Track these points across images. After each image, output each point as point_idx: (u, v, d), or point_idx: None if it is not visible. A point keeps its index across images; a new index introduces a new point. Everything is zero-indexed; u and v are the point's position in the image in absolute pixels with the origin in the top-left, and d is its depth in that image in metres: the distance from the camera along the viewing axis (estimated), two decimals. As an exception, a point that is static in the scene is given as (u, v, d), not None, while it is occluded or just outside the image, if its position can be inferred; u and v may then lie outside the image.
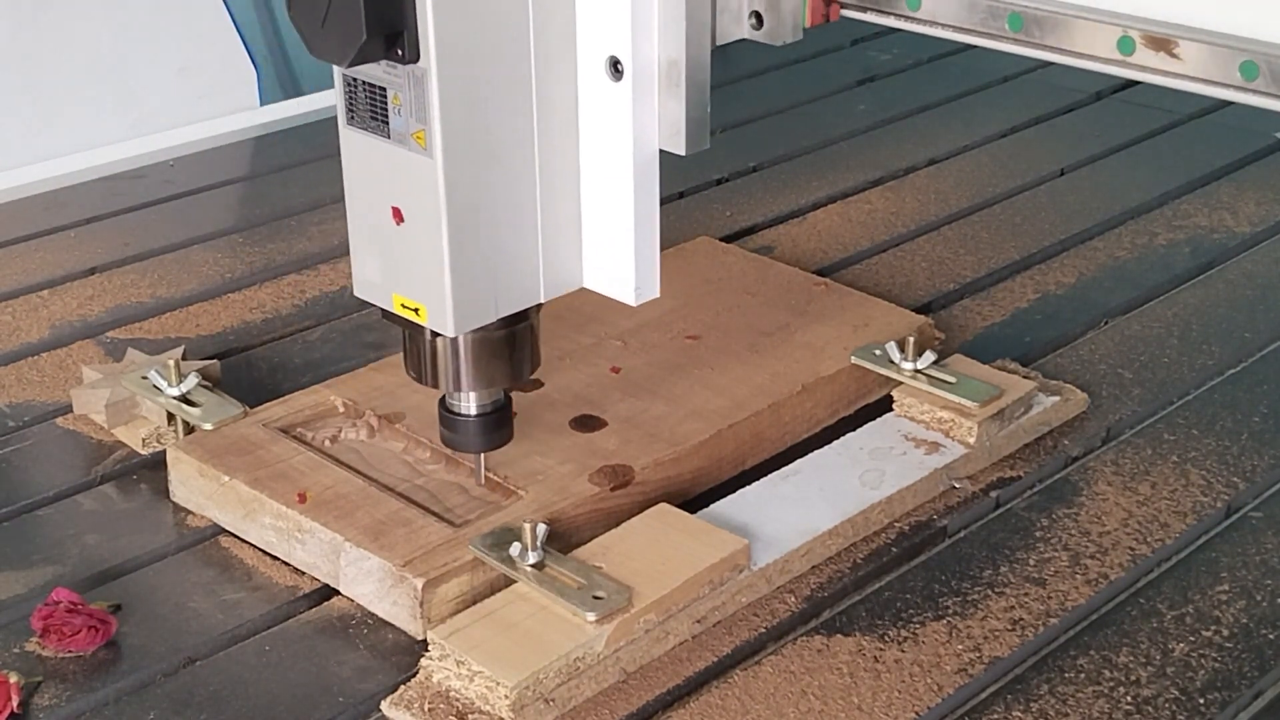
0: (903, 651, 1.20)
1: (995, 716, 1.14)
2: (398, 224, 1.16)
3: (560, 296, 1.62)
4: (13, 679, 1.15)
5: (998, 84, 2.36)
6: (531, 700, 1.12)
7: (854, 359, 1.49)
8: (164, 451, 1.39)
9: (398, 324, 1.22)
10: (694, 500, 1.36)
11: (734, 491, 1.35)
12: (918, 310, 1.64)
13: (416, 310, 1.18)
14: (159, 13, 2.23)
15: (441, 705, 1.13)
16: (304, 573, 1.28)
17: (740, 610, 1.25)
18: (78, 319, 1.69)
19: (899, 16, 1.14)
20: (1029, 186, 2.01)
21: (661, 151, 1.18)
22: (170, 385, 1.43)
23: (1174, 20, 1.01)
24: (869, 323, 1.56)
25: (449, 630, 1.15)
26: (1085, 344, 1.63)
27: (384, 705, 1.14)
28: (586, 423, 1.40)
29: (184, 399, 1.43)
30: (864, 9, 1.16)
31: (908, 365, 1.46)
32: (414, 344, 1.24)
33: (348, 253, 1.24)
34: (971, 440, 1.40)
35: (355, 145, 1.17)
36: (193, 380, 1.43)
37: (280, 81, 2.61)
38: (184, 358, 1.50)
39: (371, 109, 1.14)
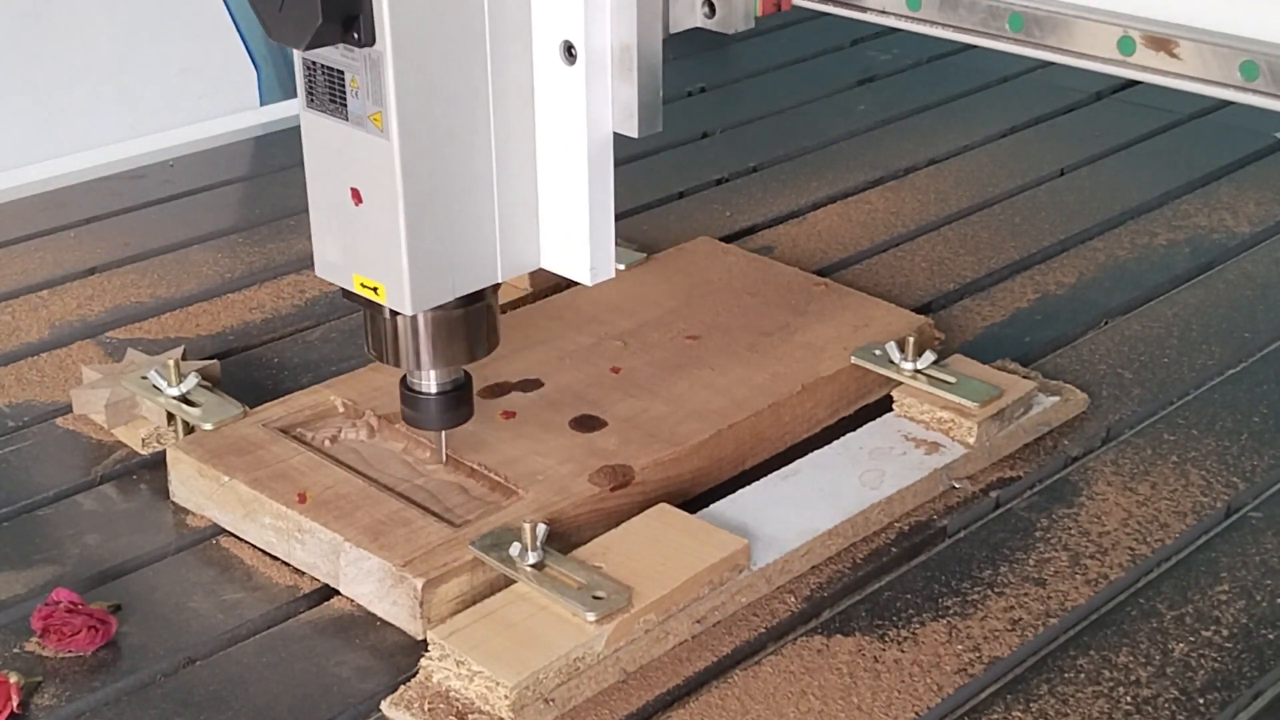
0: (903, 651, 1.20)
1: (995, 716, 1.14)
2: (356, 205, 1.18)
3: (560, 296, 1.64)
4: (13, 679, 1.15)
5: (998, 84, 2.36)
6: (531, 700, 1.12)
7: (854, 359, 1.49)
8: (164, 451, 1.39)
9: (358, 303, 1.24)
10: (694, 500, 1.36)
11: (734, 491, 1.35)
12: (918, 310, 1.64)
13: (375, 289, 1.20)
14: (159, 13, 2.23)
15: (441, 705, 1.13)
16: (304, 573, 1.28)
17: (740, 610, 1.25)
18: (78, 319, 1.69)
19: (899, 16, 1.14)
20: (1029, 186, 2.01)
21: (621, 137, 1.20)
22: (170, 385, 1.43)
23: (1174, 20, 1.01)
24: (869, 323, 1.56)
25: (449, 630, 1.15)
26: (1085, 344, 1.63)
27: (384, 705, 1.14)
28: (586, 423, 1.40)
29: (184, 399, 1.43)
30: (864, 9, 1.16)
31: (908, 365, 1.46)
32: (374, 323, 1.27)
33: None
34: (971, 440, 1.40)
35: (315, 127, 1.19)
36: (193, 380, 1.43)
37: (280, 81, 2.61)
38: (184, 358, 1.50)
39: (330, 92, 1.16)
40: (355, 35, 1.11)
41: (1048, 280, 1.77)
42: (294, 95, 2.41)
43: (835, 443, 1.42)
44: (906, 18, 1.13)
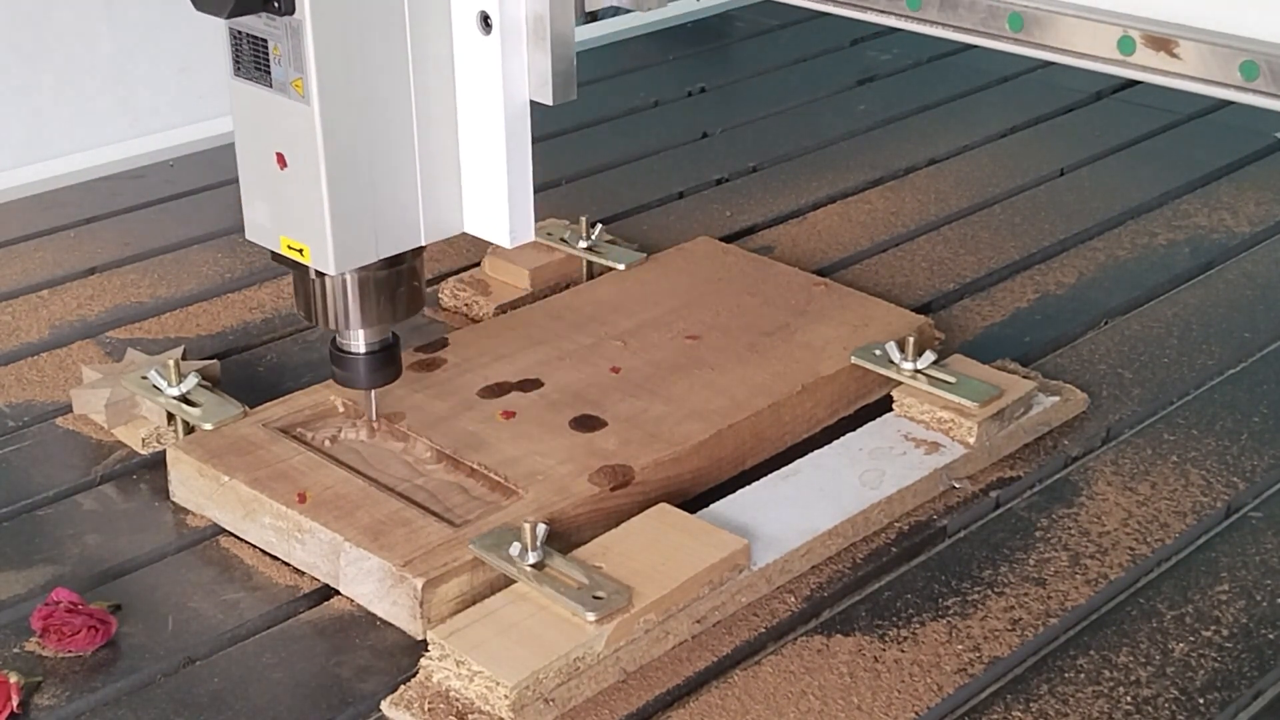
0: (903, 651, 1.20)
1: (995, 716, 1.14)
2: (282, 169, 1.22)
3: (560, 296, 1.64)
4: (13, 679, 1.15)
5: (998, 84, 2.36)
6: (531, 700, 1.12)
7: (854, 359, 1.49)
8: (164, 451, 1.39)
9: (285, 265, 1.29)
10: (694, 500, 1.36)
11: (734, 491, 1.35)
12: (918, 310, 1.64)
13: (301, 251, 1.24)
14: (159, 13, 2.23)
15: (441, 705, 1.13)
16: (304, 573, 1.28)
17: (740, 610, 1.25)
18: (77, 319, 1.69)
19: (899, 16, 1.14)
20: (1029, 186, 2.02)
21: (536, 104, 1.23)
22: (170, 385, 1.43)
23: (1174, 20, 1.01)
24: (869, 323, 1.56)
25: (449, 630, 1.15)
26: (1085, 344, 1.63)
27: (384, 705, 1.14)
28: (586, 423, 1.40)
29: (184, 399, 1.43)
30: (864, 9, 1.16)
31: (908, 365, 1.46)
32: (302, 284, 1.31)
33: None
34: (971, 440, 1.40)
35: (242, 95, 1.24)
36: (193, 380, 1.43)
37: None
38: (184, 358, 1.50)
39: (255, 60, 1.20)
40: (276, 4, 1.15)
41: (1048, 280, 1.77)
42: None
43: (835, 443, 1.42)
44: (906, 18, 1.13)
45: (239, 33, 1.21)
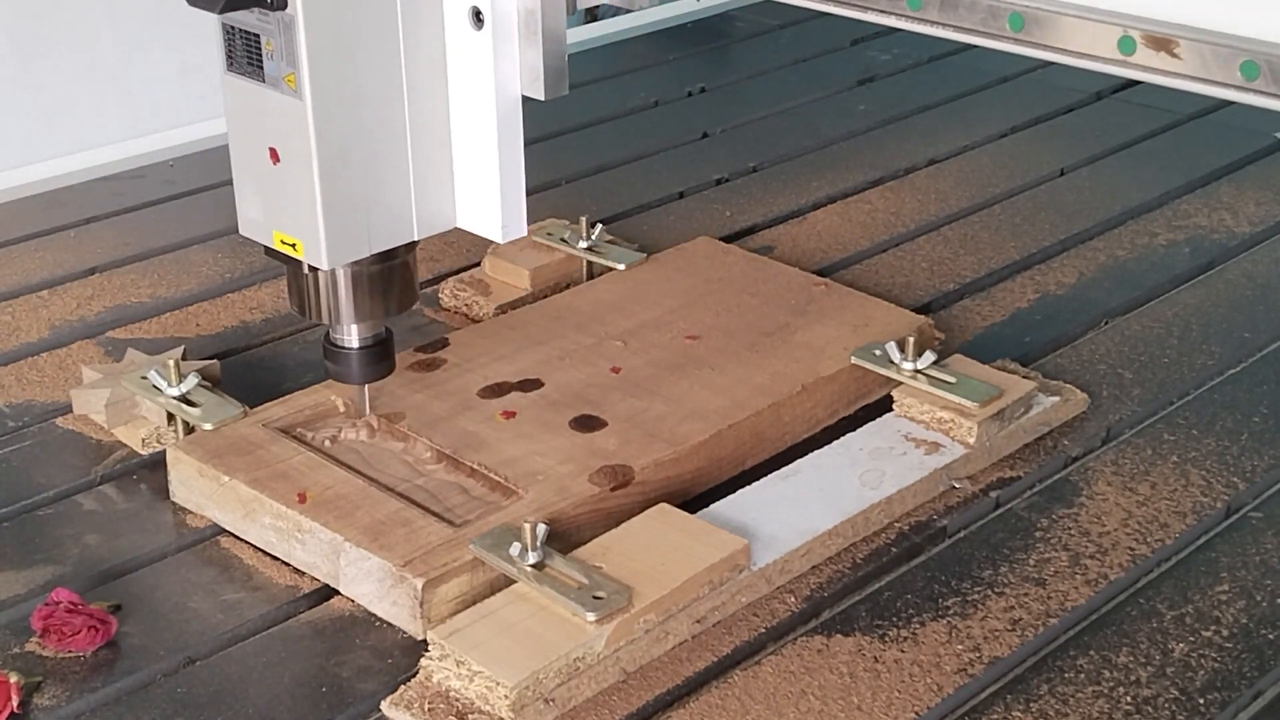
0: (903, 651, 1.20)
1: (995, 716, 1.14)
2: (274, 164, 1.23)
3: (560, 296, 1.64)
4: (13, 679, 1.15)
5: (998, 84, 2.36)
6: (531, 700, 1.12)
7: (854, 359, 1.49)
8: (164, 451, 1.39)
9: (279, 260, 1.28)
10: (694, 500, 1.36)
11: (734, 491, 1.35)
12: (918, 310, 1.64)
13: (294, 245, 1.25)
14: (159, 13, 2.23)
15: (441, 705, 1.13)
16: (304, 573, 1.28)
17: (740, 610, 1.25)
18: (77, 319, 1.69)
19: (899, 16, 1.14)
20: (1029, 186, 2.01)
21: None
22: (170, 385, 1.43)
23: (1174, 20, 1.01)
24: (869, 323, 1.56)
25: (449, 630, 1.15)
26: (1085, 344, 1.63)
27: (384, 705, 1.14)
28: (586, 423, 1.40)
29: (184, 399, 1.43)
30: (864, 8, 1.16)
31: (908, 365, 1.46)
32: (296, 279, 1.32)
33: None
34: (971, 440, 1.40)
35: (235, 90, 1.24)
36: (193, 380, 1.43)
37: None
38: (184, 358, 1.50)
39: (248, 55, 1.21)
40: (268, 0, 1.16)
41: (1048, 280, 1.77)
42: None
43: (835, 443, 1.42)
44: (906, 18, 1.13)
45: (232, 28, 1.21)
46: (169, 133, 2.18)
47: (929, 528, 1.34)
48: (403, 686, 1.15)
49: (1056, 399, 1.48)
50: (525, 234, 1.30)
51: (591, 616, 1.15)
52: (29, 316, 1.69)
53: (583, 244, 1.70)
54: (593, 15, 2.75)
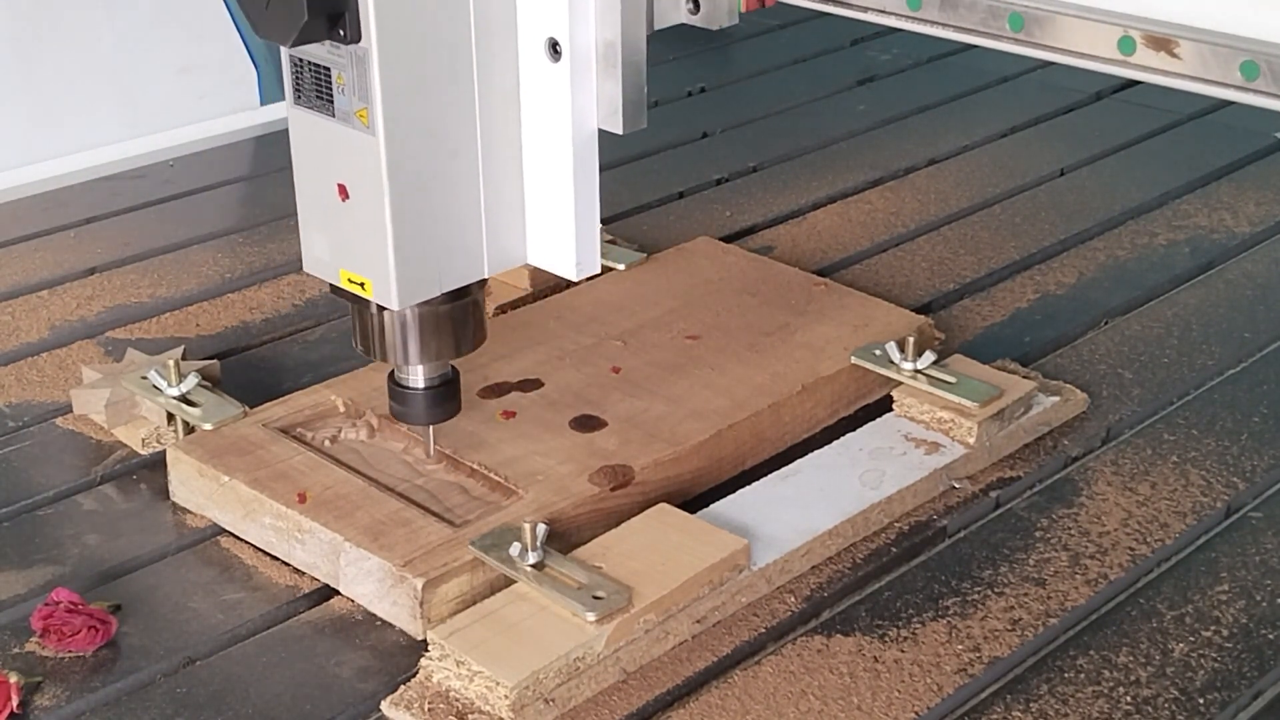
0: (903, 651, 1.20)
1: (995, 716, 1.14)
2: (343, 200, 1.19)
3: (560, 296, 1.64)
4: (13, 679, 1.15)
5: (998, 84, 2.36)
6: (531, 700, 1.12)
7: (854, 359, 1.49)
8: (164, 451, 1.39)
9: (345, 299, 1.25)
10: (694, 500, 1.36)
11: (734, 491, 1.35)
12: (918, 310, 1.64)
13: (363, 285, 1.21)
14: (159, 13, 2.23)
15: (441, 705, 1.13)
16: (304, 573, 1.28)
17: (740, 610, 1.25)
18: (77, 319, 1.69)
19: (899, 16, 1.14)
20: (1029, 186, 2.01)
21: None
22: (170, 385, 1.43)
23: (1174, 20, 1.01)
24: (869, 323, 1.56)
25: (449, 630, 1.15)
26: (1085, 344, 1.63)
27: (384, 705, 1.14)
28: (586, 423, 1.40)
29: (184, 399, 1.43)
30: (864, 9, 1.16)
31: (908, 365, 1.46)
32: (361, 319, 1.27)
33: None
34: (971, 440, 1.40)
35: (302, 124, 1.20)
36: (192, 380, 1.43)
37: (280, 81, 2.61)
38: (184, 358, 1.50)
39: (317, 88, 1.17)
40: (341, 32, 1.12)
41: (1048, 280, 1.77)
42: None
43: (835, 443, 1.42)
44: (906, 18, 1.13)
45: (300, 60, 1.17)
46: (169, 133, 2.18)
47: (929, 528, 1.34)
48: (403, 686, 1.15)
49: (1056, 399, 1.48)
50: (599, 270, 1.26)
51: (591, 616, 1.15)
52: (29, 316, 1.69)
53: (583, 244, 1.70)
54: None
